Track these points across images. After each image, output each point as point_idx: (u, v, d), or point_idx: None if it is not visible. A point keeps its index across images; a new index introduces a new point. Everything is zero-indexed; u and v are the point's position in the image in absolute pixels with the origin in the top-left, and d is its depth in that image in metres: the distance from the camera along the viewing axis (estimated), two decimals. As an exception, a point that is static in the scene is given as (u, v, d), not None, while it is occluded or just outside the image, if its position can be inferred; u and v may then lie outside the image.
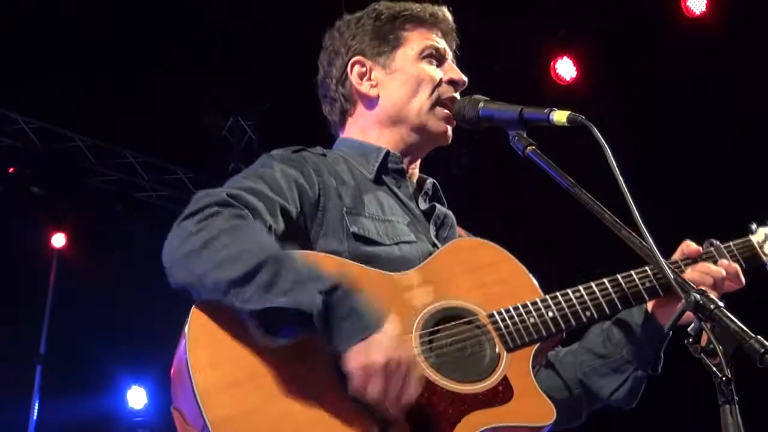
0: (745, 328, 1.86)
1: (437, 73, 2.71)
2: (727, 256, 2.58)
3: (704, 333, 1.94)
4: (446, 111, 2.68)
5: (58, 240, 8.61)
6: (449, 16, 2.83)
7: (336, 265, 2.28)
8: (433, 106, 2.68)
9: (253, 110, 9.09)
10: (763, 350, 1.81)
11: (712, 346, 1.91)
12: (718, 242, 2.59)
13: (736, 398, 1.86)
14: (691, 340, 2.01)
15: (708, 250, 2.58)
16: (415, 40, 2.74)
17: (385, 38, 2.73)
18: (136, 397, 9.10)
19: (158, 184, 8.95)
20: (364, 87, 2.72)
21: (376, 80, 2.71)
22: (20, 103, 8.06)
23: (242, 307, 2.10)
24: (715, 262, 2.54)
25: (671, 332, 2.49)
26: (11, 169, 8.28)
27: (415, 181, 2.76)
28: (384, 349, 2.06)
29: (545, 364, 2.62)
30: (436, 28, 2.78)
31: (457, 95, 2.71)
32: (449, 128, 2.70)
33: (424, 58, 2.72)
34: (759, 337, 1.84)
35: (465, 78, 2.74)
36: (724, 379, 1.87)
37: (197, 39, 7.83)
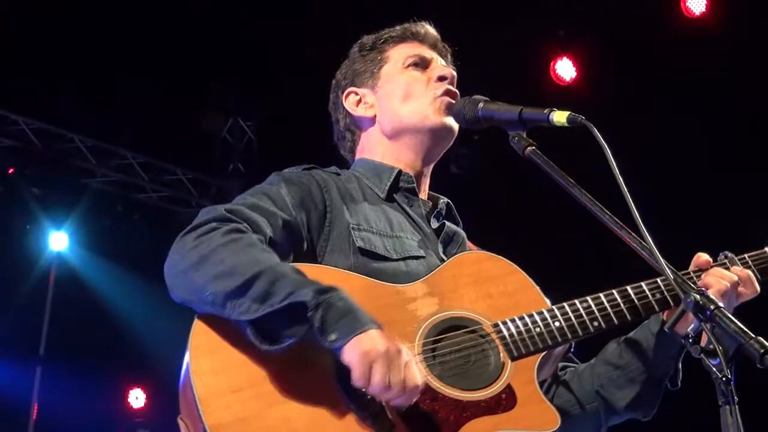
0: (745, 329, 1.86)
1: (424, 77, 2.74)
2: (740, 265, 2.52)
3: (704, 333, 1.94)
4: (444, 101, 2.69)
5: (58, 240, 8.60)
6: (432, 30, 2.86)
7: (333, 276, 2.29)
8: (429, 104, 2.69)
9: (253, 111, 9.09)
10: (763, 350, 1.80)
11: (712, 346, 1.90)
12: (731, 254, 2.54)
13: (736, 398, 1.86)
14: (691, 340, 2.01)
15: (722, 261, 2.53)
16: (398, 54, 2.80)
17: (370, 63, 2.80)
18: (136, 397, 9.10)
19: (158, 185, 8.94)
20: (360, 110, 2.79)
21: (370, 102, 2.78)
22: (20, 103, 8.06)
23: (240, 317, 2.13)
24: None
25: (688, 344, 2.47)
26: (11, 170, 8.27)
27: (428, 200, 2.77)
28: (383, 338, 2.08)
29: (563, 381, 2.61)
30: (418, 42, 2.82)
31: (453, 88, 2.72)
32: (450, 119, 2.69)
33: (408, 67, 2.77)
34: (759, 337, 1.83)
35: (453, 72, 2.77)
36: (723, 379, 1.87)
37: (198, 40, 7.83)
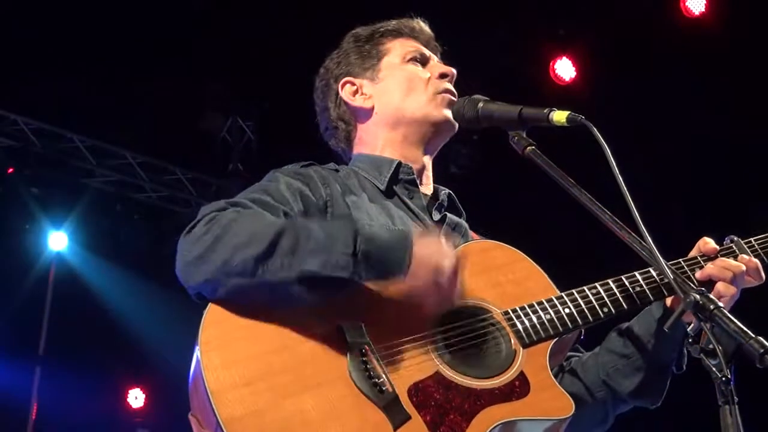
0: (744, 328, 1.85)
1: (425, 73, 2.78)
2: (748, 251, 2.50)
3: (704, 333, 1.94)
4: (446, 98, 2.72)
5: (58, 240, 8.59)
6: (426, 27, 2.90)
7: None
8: (431, 99, 2.73)
9: (252, 111, 9.09)
10: (762, 350, 1.80)
11: (711, 346, 1.90)
12: (738, 238, 2.53)
13: (735, 398, 1.86)
14: (690, 340, 2.01)
15: (728, 246, 2.52)
16: (397, 48, 2.83)
17: (368, 54, 2.82)
18: (136, 397, 9.10)
19: (158, 185, 8.93)
20: (358, 101, 2.79)
21: (369, 93, 2.79)
22: (19, 103, 8.06)
23: (274, 278, 2.15)
24: (735, 258, 2.47)
25: (687, 343, 2.45)
26: (10, 170, 8.27)
27: (430, 192, 2.78)
28: (427, 252, 2.19)
29: (569, 371, 2.61)
30: (414, 39, 2.86)
31: (452, 87, 2.75)
32: (451, 114, 2.71)
33: (408, 61, 2.80)
34: (759, 337, 1.83)
35: (453, 70, 2.79)
36: (723, 379, 1.87)
37: (197, 39, 7.83)
